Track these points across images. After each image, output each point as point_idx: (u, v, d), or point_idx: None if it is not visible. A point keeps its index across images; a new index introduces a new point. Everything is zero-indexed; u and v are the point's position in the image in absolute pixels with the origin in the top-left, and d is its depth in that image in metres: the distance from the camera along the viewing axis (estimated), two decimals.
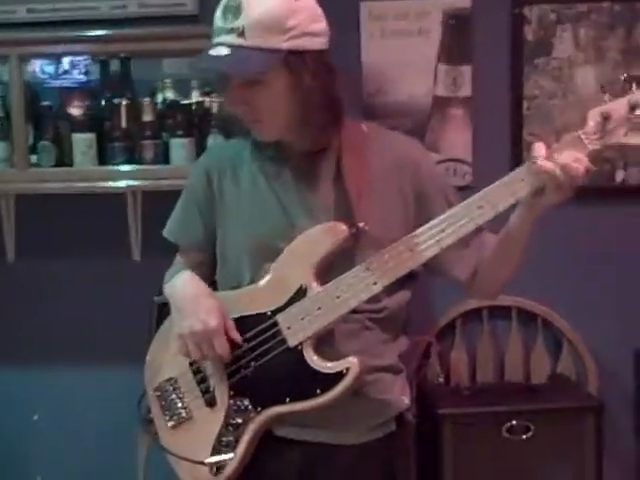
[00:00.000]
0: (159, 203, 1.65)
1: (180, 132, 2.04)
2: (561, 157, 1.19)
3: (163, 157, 2.06)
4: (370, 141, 1.38)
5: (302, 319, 1.33)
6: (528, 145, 2.12)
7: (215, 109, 2.03)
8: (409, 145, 1.43)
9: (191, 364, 1.45)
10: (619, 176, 2.13)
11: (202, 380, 1.44)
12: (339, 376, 1.30)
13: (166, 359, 1.49)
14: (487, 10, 2.11)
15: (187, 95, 2.13)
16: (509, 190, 1.24)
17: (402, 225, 1.36)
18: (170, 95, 2.12)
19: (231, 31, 1.26)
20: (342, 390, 1.30)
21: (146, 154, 2.04)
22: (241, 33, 1.25)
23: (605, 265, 2.17)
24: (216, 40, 1.28)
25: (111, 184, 2.08)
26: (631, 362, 2.17)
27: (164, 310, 1.85)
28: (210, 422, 1.41)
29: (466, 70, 2.14)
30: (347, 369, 1.30)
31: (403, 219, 1.37)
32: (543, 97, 2.12)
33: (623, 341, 2.14)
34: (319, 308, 1.32)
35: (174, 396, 1.46)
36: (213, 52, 1.27)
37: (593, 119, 1.17)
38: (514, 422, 1.86)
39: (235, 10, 1.26)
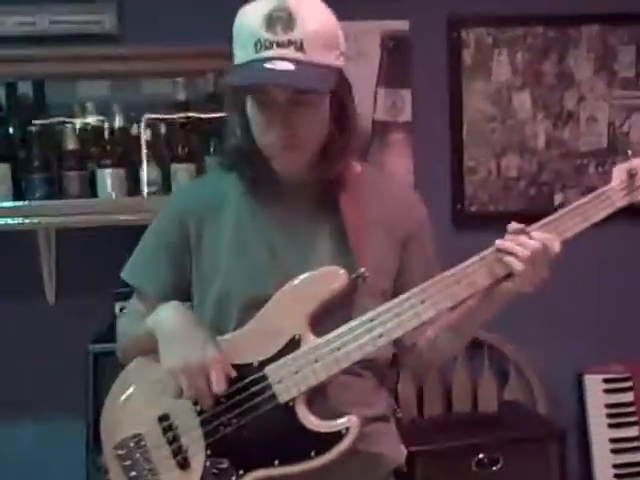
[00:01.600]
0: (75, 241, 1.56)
1: (108, 162, 1.90)
2: (530, 243, 1.18)
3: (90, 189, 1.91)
4: (364, 182, 1.33)
5: (296, 373, 1.25)
6: (469, 169, 2.17)
7: (147, 136, 1.91)
8: (403, 192, 1.40)
9: (160, 420, 1.32)
10: (557, 199, 2.20)
11: (174, 439, 1.31)
12: (337, 436, 1.23)
13: (127, 414, 1.35)
14: (425, 33, 2.13)
15: (110, 120, 2.00)
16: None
17: (391, 273, 1.32)
18: (91, 120, 1.97)
19: (288, 44, 1.15)
20: (340, 452, 1.22)
21: (70, 186, 1.89)
22: (300, 47, 1.15)
23: (547, 288, 2.23)
24: (266, 53, 1.16)
25: (28, 221, 1.90)
26: (573, 384, 2.26)
27: (100, 360, 1.73)
28: None
29: (406, 94, 2.14)
30: (347, 429, 1.23)
31: (391, 267, 1.33)
32: (482, 121, 2.16)
33: (566, 363, 2.21)
34: (316, 361, 1.25)
35: (138, 455, 1.32)
36: (271, 66, 1.15)
37: (619, 176, 1.20)
38: (481, 455, 1.87)
39: (286, 21, 1.15)
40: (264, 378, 1.27)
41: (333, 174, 1.30)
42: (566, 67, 2.15)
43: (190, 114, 1.91)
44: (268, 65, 1.16)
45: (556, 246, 1.19)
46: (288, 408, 1.25)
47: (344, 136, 1.26)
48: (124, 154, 1.93)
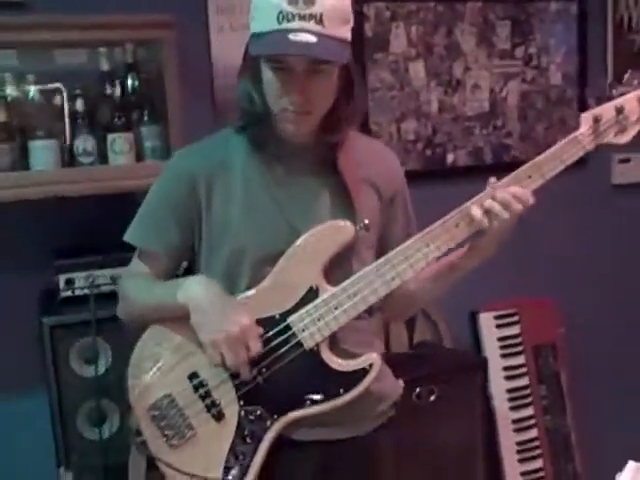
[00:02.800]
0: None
1: (40, 133, 1.87)
2: (500, 196, 1.38)
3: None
4: (355, 146, 1.50)
5: (318, 320, 1.42)
6: (374, 134, 2.39)
7: (81, 107, 1.90)
8: (388, 155, 1.59)
9: (190, 378, 1.44)
10: (449, 158, 2.50)
11: (206, 394, 1.43)
12: (362, 373, 1.42)
13: (155, 378, 1.46)
14: None
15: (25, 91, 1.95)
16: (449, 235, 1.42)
17: (379, 228, 1.52)
18: (12, 91, 1.92)
19: (309, 17, 1.28)
20: (366, 386, 1.42)
21: (2, 159, 1.84)
22: (319, 20, 1.29)
23: None
24: (289, 25, 1.28)
25: None
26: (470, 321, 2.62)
27: (56, 333, 1.75)
28: (219, 437, 1.43)
29: None
30: (370, 365, 1.42)
31: (379, 222, 1.52)
32: (383, 89, 2.39)
33: (463, 304, 2.53)
34: (336, 308, 1.42)
35: (173, 414, 1.43)
36: (295, 37, 1.28)
37: (587, 122, 1.42)
38: (418, 388, 2.13)
39: None
40: (288, 328, 1.43)
41: (337, 139, 1.47)
42: (454, 40, 2.44)
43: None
44: (292, 36, 1.31)
45: (531, 199, 1.40)
46: (314, 353, 1.42)
47: (349, 105, 1.44)
48: (54, 125, 1.91)
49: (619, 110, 1.42)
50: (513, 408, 2.58)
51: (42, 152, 1.87)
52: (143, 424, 1.44)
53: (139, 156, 1.96)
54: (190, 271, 1.55)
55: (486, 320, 2.58)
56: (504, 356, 2.57)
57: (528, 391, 2.60)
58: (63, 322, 1.79)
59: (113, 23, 1.93)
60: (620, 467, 3.16)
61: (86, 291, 1.85)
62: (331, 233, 1.44)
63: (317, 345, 1.42)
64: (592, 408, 2.70)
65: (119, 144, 1.90)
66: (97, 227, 1.98)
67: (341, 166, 1.47)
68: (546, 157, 1.43)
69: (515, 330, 2.60)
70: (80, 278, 1.86)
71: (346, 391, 1.41)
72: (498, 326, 2.59)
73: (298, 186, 1.46)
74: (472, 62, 2.47)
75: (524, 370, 2.59)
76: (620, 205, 2.75)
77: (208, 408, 1.43)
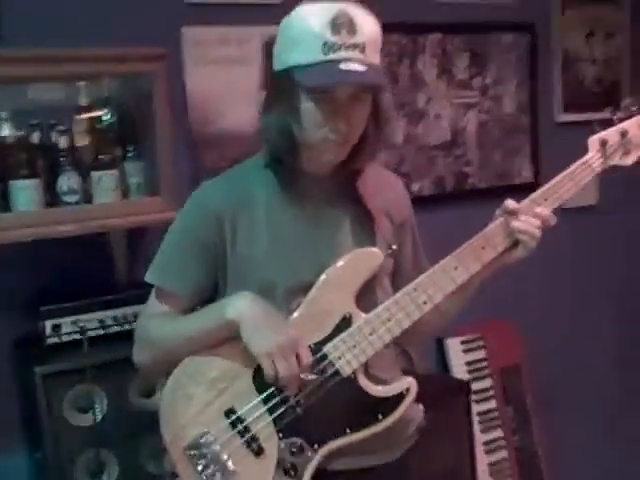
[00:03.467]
0: None
1: (23, 172, 1.81)
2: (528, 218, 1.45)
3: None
4: (367, 173, 1.54)
5: (354, 347, 1.44)
6: None
7: (64, 144, 1.85)
8: (397, 182, 1.64)
9: (227, 414, 1.43)
10: (415, 187, 2.58)
11: (245, 430, 1.42)
12: (400, 397, 1.45)
13: (191, 416, 1.44)
14: None
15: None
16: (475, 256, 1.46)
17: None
18: None
19: (354, 47, 1.34)
20: (404, 410, 1.45)
21: None
22: (362, 49, 1.35)
23: None
24: (336, 55, 1.33)
25: None
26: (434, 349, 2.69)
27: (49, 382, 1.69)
28: (260, 472, 1.42)
29: None
30: (407, 389, 1.46)
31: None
32: None
33: None
34: (371, 334, 1.44)
35: (212, 452, 1.41)
36: (346, 67, 1.33)
37: (594, 146, 1.52)
38: None
39: (349, 26, 1.34)
40: (324, 357, 1.44)
41: (361, 167, 1.50)
42: (417, 71, 2.54)
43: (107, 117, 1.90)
44: (343, 66, 1.35)
45: (553, 221, 1.47)
46: (351, 380, 1.45)
47: (380, 132, 1.47)
48: (36, 163, 1.84)
49: (623, 134, 1.53)
50: (483, 430, 2.66)
51: (24, 192, 1.80)
52: (180, 466, 1.41)
53: (124, 193, 1.92)
54: None
55: (453, 346, 2.66)
56: (472, 380, 2.66)
57: (496, 413, 2.69)
58: (56, 370, 1.72)
59: (98, 56, 1.89)
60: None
61: (74, 336, 1.78)
62: (361, 260, 1.47)
63: (354, 372, 1.44)
64: (556, 426, 2.82)
65: (106, 181, 1.86)
66: (81, 269, 1.93)
67: (360, 194, 1.51)
68: (561, 180, 1.51)
69: (481, 354, 2.69)
70: (67, 323, 1.80)
71: (385, 416, 1.44)
72: (465, 351, 2.68)
73: (322, 218, 1.49)
74: (434, 92, 2.58)
75: (492, 393, 2.69)
76: (574, 228, 2.92)
77: (248, 444, 1.41)
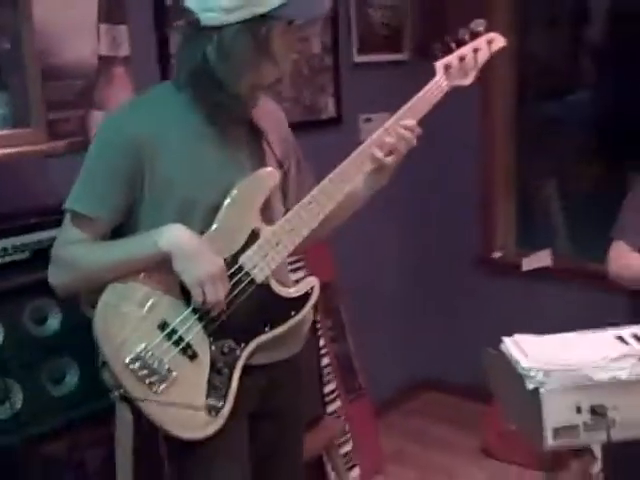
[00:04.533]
0: None
1: None
2: (396, 131, 1.75)
3: None
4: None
5: (265, 256, 1.68)
6: None
7: None
8: (277, 106, 1.87)
9: (161, 328, 1.60)
10: None
11: (179, 339, 1.61)
12: (307, 296, 1.73)
13: (127, 333, 1.60)
14: None
15: None
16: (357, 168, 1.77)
17: None
18: None
19: None
20: (312, 305, 1.73)
21: None
22: None
23: None
24: None
25: None
26: None
27: None
28: (196, 374, 1.63)
29: (123, 30, 2.42)
30: (312, 288, 1.74)
31: None
32: None
33: None
34: (277, 244, 1.69)
35: (151, 362, 1.59)
36: None
37: (440, 70, 1.84)
38: None
39: None
40: (241, 268, 1.67)
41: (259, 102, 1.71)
42: None
43: None
44: None
45: (418, 130, 1.77)
46: (264, 286, 1.69)
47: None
48: None
49: (461, 58, 1.86)
50: None
51: None
52: (123, 378, 1.57)
53: None
54: (117, 233, 1.67)
55: None
56: None
57: (319, 325, 3.06)
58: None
59: None
60: (393, 377, 3.84)
61: None
62: (262, 179, 1.71)
63: (267, 278, 1.68)
64: (365, 335, 3.28)
65: None
66: None
67: (256, 122, 1.74)
68: (418, 100, 1.81)
69: (303, 273, 3.02)
70: None
71: (297, 312, 1.72)
72: (290, 271, 2.98)
73: (226, 139, 1.69)
74: None
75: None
76: None
77: (183, 351, 1.62)
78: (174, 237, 1.58)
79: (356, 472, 2.92)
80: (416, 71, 3.47)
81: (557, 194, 3.75)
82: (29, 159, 2.05)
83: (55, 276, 1.63)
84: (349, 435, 3.05)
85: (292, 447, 1.92)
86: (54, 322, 1.91)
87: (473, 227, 3.64)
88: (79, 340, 1.91)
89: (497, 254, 3.62)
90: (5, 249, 1.89)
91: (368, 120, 3.35)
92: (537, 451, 3.23)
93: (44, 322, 1.90)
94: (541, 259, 3.50)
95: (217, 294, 1.59)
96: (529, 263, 3.50)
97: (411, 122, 1.78)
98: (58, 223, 1.94)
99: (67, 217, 1.64)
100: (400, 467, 3.25)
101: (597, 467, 3.17)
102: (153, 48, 2.56)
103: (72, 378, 1.90)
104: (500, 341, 1.82)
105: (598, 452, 3.29)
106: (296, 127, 1.90)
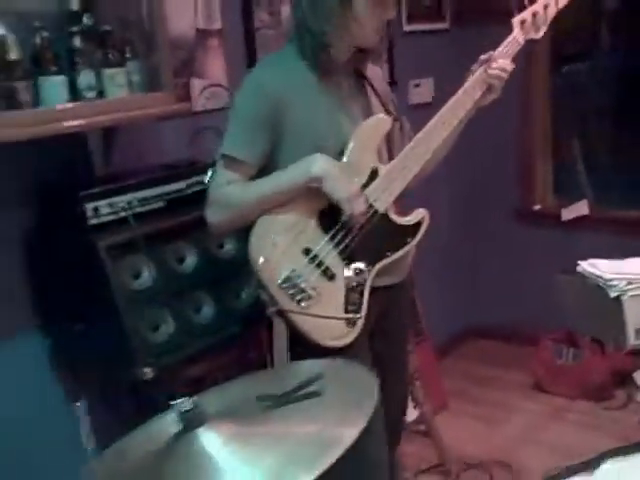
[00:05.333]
0: None
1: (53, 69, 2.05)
2: (498, 64, 2.10)
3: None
4: None
5: (384, 190, 2.00)
6: None
7: (77, 45, 2.10)
8: (378, 67, 2.20)
9: (305, 253, 1.93)
10: None
11: (320, 263, 1.93)
12: (419, 224, 2.04)
13: (278, 258, 1.93)
14: None
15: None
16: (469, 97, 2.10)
17: None
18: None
19: None
20: (422, 232, 2.04)
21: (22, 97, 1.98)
22: None
23: None
24: None
25: None
26: None
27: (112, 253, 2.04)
28: (335, 292, 1.97)
29: (216, 5, 2.72)
30: (423, 217, 2.05)
31: None
32: (264, 28, 2.89)
33: None
34: (394, 180, 2.00)
35: (299, 282, 1.91)
36: None
37: (517, 25, 2.14)
38: None
39: None
40: (366, 200, 1.96)
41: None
42: None
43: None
44: None
45: (511, 67, 2.09)
46: (385, 216, 2.01)
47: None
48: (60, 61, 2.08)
49: (534, 14, 2.17)
50: None
51: (53, 88, 2.04)
52: (277, 296, 1.91)
53: (130, 89, 2.23)
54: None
55: None
56: None
57: None
58: (117, 242, 2.06)
59: None
60: (446, 324, 3.68)
61: (115, 216, 2.11)
62: (377, 124, 2.04)
63: (386, 209, 1.99)
64: (420, 284, 3.59)
65: (119, 78, 2.15)
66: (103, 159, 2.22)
67: (369, 77, 2.05)
68: (502, 49, 2.11)
69: None
70: (104, 205, 2.11)
71: (412, 238, 2.05)
72: None
73: (344, 93, 2.03)
74: None
75: None
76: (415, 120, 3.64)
77: (324, 272, 1.95)
78: (323, 163, 1.90)
79: (425, 407, 3.23)
80: (456, 38, 3.81)
81: (590, 150, 4.09)
82: (158, 121, 2.37)
83: (213, 215, 1.95)
84: (417, 374, 3.37)
85: (401, 361, 2.27)
86: (191, 261, 2.22)
87: (515, 183, 3.98)
88: (212, 276, 2.27)
89: (537, 206, 3.96)
90: (145, 199, 2.20)
91: (417, 85, 3.67)
92: (584, 383, 3.58)
93: (183, 261, 2.21)
94: (579, 209, 3.83)
95: (360, 207, 1.92)
96: (568, 213, 3.84)
97: (505, 62, 2.08)
98: (183, 176, 2.30)
99: (220, 163, 1.95)
100: (462, 404, 3.62)
101: None
102: (239, 23, 2.87)
103: (208, 309, 2.22)
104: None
105: None
106: None
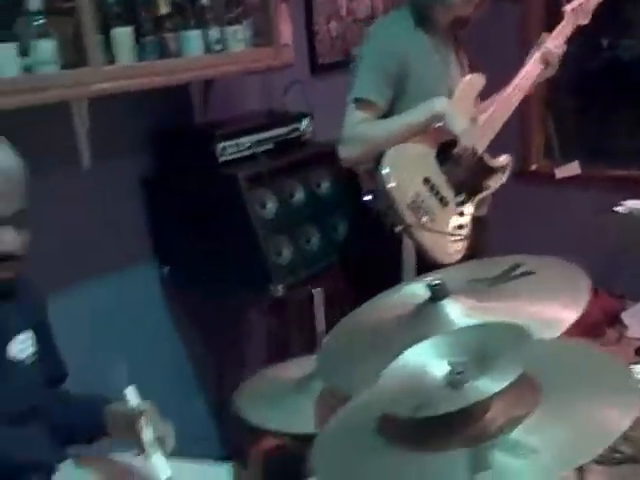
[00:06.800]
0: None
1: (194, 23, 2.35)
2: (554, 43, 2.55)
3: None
4: None
5: (481, 137, 2.39)
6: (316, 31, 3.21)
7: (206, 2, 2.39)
8: None
9: (425, 182, 2.31)
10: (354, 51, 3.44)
11: (437, 191, 2.32)
12: (506, 164, 2.45)
13: (406, 184, 2.29)
14: None
15: None
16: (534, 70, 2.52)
17: None
18: None
19: None
20: (509, 172, 2.44)
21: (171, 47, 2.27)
22: None
23: None
24: None
25: None
26: None
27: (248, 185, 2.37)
28: (448, 215, 2.38)
29: None
30: (509, 161, 2.46)
31: None
32: None
33: None
34: (488, 129, 2.39)
35: (422, 204, 2.30)
36: None
37: (568, 12, 2.55)
38: None
39: None
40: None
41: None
42: None
43: None
44: None
45: (563, 48, 2.55)
46: (481, 157, 2.40)
47: None
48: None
49: (581, 3, 2.60)
50: None
51: (193, 41, 2.33)
52: (405, 216, 2.26)
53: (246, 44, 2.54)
54: None
55: None
56: None
57: None
58: (253, 174, 2.41)
59: None
60: None
61: (236, 155, 2.43)
62: (474, 81, 2.43)
63: (483, 152, 2.38)
64: None
65: (239, 34, 2.45)
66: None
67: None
68: (557, 30, 2.55)
69: None
70: (231, 145, 2.43)
71: (502, 176, 2.45)
72: None
73: (446, 55, 2.42)
74: None
75: None
76: None
77: (440, 200, 2.34)
78: (444, 103, 2.29)
79: None
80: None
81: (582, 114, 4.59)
82: (266, 73, 2.69)
83: (348, 151, 2.31)
84: None
85: None
86: (299, 197, 2.57)
87: (513, 145, 4.43)
88: (315, 211, 2.61)
89: (533, 167, 4.44)
90: (259, 141, 2.54)
91: None
92: (580, 323, 4.07)
93: (293, 197, 2.55)
94: (572, 169, 4.32)
95: (472, 140, 2.32)
96: (561, 172, 4.32)
97: (559, 42, 2.51)
98: (284, 123, 2.63)
99: (352, 106, 2.32)
100: None
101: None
102: None
103: (315, 239, 2.57)
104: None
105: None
106: None
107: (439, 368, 1.08)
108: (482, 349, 1.08)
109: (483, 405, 1.01)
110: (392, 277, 2.27)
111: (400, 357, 1.10)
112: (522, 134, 4.42)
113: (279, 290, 2.35)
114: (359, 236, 2.55)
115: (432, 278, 1.55)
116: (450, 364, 1.06)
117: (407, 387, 1.05)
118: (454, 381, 1.04)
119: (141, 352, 2.50)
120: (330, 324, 1.85)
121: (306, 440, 2.30)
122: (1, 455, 1.55)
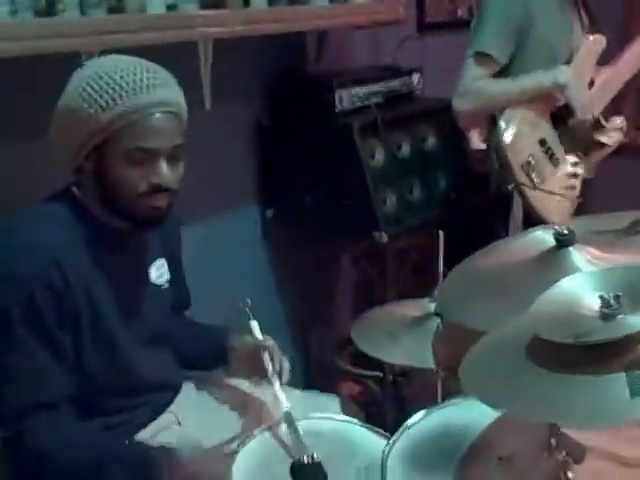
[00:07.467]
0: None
1: None
2: None
3: None
4: None
5: (598, 98, 2.45)
6: None
7: None
8: None
9: (541, 143, 2.37)
10: (459, 12, 3.45)
11: (551, 153, 2.38)
12: (621, 127, 2.50)
13: (522, 143, 2.36)
14: None
15: None
16: None
17: None
18: None
19: None
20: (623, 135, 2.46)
21: None
22: None
23: None
24: None
25: None
26: None
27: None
28: (559, 177, 2.42)
29: None
30: (624, 123, 2.48)
31: None
32: None
33: None
34: (605, 91, 2.43)
35: (535, 165, 2.36)
36: None
37: None
38: None
39: None
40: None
41: None
42: None
43: None
44: None
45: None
46: (598, 118, 2.41)
47: None
48: None
49: None
50: None
51: None
52: (518, 175, 2.35)
53: None
54: None
55: None
56: None
57: None
58: (365, 123, 2.48)
59: None
60: None
61: (350, 106, 2.50)
62: (598, 43, 2.48)
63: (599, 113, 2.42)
64: None
65: None
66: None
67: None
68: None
69: None
70: (346, 95, 2.50)
71: (617, 136, 2.50)
72: None
73: (568, 10, 2.44)
74: None
75: None
76: None
77: (553, 160, 2.38)
78: (568, 74, 2.35)
79: None
80: None
81: None
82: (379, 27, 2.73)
83: (461, 104, 2.37)
84: None
85: None
86: (405, 149, 2.63)
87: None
88: (419, 164, 2.66)
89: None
90: (372, 93, 2.60)
91: None
92: None
93: (400, 149, 2.60)
94: None
95: (588, 116, 2.38)
96: None
97: None
98: (396, 76, 2.67)
99: (471, 60, 2.35)
100: None
101: None
102: None
103: (417, 192, 2.62)
104: None
105: None
106: None
107: (591, 300, 1.13)
108: (633, 286, 1.13)
109: (636, 337, 1.06)
110: (496, 234, 2.34)
111: (555, 285, 1.15)
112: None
113: (384, 237, 2.41)
114: (461, 193, 2.61)
115: (560, 226, 1.59)
116: (601, 298, 1.11)
117: (562, 314, 1.11)
118: (607, 314, 1.09)
119: (241, 292, 2.59)
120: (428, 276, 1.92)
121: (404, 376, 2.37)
122: (136, 375, 1.66)
